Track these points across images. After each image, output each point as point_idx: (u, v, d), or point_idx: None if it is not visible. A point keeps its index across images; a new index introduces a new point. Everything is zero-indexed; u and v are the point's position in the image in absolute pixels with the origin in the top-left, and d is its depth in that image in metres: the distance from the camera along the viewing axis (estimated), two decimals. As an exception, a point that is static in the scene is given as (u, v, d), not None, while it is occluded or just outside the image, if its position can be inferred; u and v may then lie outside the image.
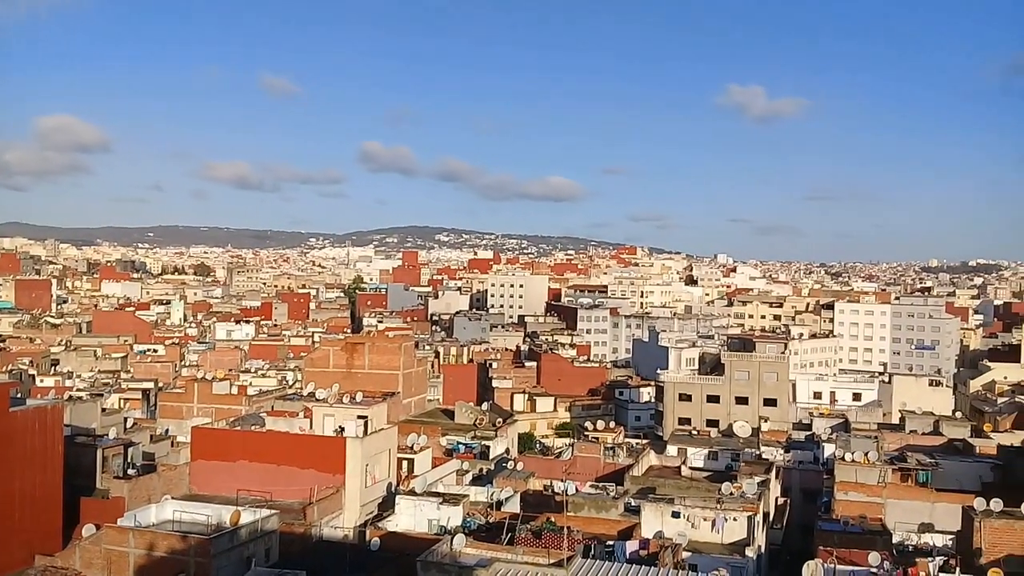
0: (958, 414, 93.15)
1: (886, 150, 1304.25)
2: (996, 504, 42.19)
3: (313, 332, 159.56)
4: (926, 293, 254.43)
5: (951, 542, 45.56)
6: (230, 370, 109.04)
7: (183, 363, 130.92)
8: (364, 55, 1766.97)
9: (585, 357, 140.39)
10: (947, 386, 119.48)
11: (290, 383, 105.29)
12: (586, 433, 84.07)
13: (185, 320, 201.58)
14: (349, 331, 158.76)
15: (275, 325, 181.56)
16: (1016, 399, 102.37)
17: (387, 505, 50.74)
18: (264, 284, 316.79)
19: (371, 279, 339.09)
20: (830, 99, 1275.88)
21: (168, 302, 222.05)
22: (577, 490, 53.62)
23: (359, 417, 56.18)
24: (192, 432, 57.27)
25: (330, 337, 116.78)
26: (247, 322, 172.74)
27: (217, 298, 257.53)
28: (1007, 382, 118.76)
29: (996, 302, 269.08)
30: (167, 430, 75.34)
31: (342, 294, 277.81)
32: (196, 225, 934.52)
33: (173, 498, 46.86)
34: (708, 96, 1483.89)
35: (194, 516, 42.40)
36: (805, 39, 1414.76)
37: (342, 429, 54.78)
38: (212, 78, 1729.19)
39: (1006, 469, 62.69)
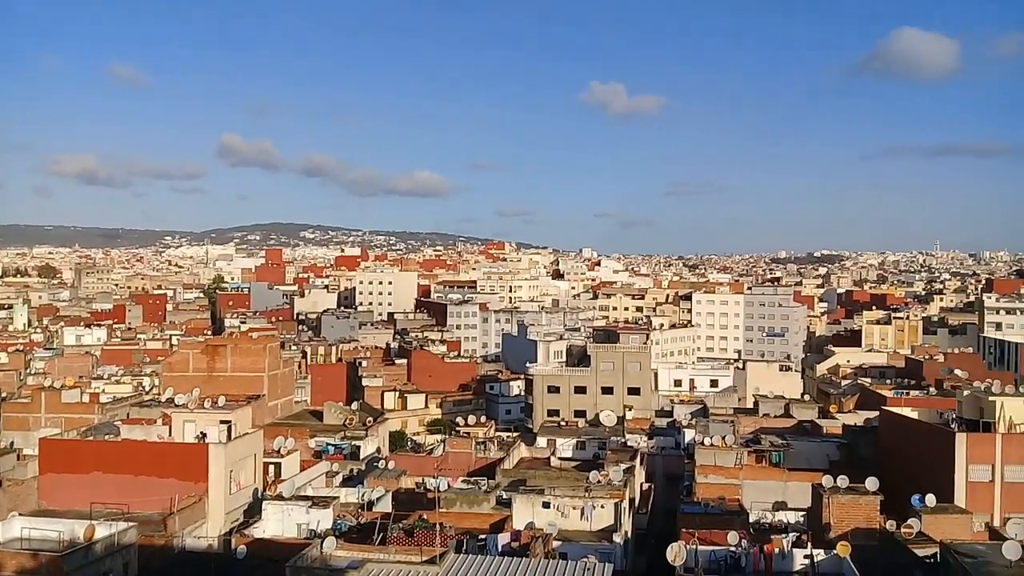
0: (806, 397, 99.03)
1: (739, 146, 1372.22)
2: (842, 481, 45.17)
3: (171, 335, 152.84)
4: (776, 283, 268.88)
5: (803, 518, 48.35)
6: (80, 377, 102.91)
7: (28, 371, 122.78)
8: (221, 44, 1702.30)
9: (456, 353, 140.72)
10: (796, 371, 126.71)
11: (147, 389, 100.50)
12: (458, 429, 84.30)
13: (30, 325, 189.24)
14: (210, 333, 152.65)
15: (129, 328, 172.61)
16: (858, 381, 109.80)
17: (254, 511, 49.36)
18: (116, 286, 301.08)
19: (233, 278, 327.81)
20: (687, 96, 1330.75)
21: (10, 306, 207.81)
22: (449, 486, 53.73)
23: (222, 422, 54.30)
24: (40, 444, 54.02)
25: (189, 340, 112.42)
26: (98, 326, 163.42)
27: (65, 301, 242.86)
28: (850, 365, 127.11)
29: (839, 290, 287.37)
30: (12, 443, 70.48)
31: (201, 295, 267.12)
32: (40, 224, 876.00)
33: (21, 515, 43.92)
34: (572, 93, 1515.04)
35: (44, 533, 40.02)
36: (662, 38, 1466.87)
37: (204, 435, 52.85)
38: (52, 66, 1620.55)
39: (851, 447, 67.20)
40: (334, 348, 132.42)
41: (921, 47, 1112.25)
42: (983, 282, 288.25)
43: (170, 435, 54.59)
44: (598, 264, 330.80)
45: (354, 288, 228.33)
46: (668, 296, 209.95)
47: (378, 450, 72.91)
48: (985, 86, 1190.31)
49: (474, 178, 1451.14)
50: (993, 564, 33.52)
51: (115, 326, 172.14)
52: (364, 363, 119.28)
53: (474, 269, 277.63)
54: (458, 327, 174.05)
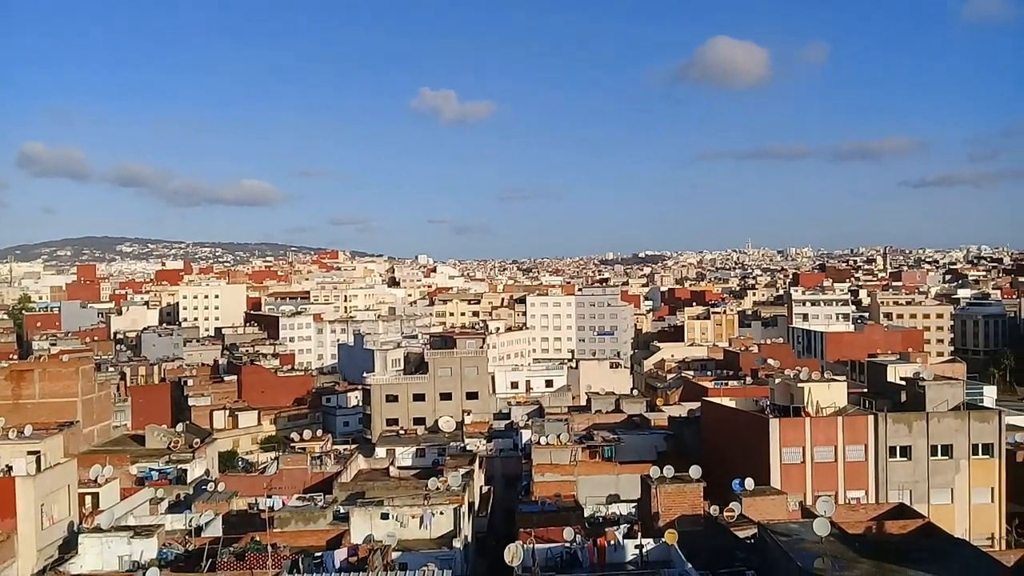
0: (635, 392, 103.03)
1: (568, 151, 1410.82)
2: (668, 471, 47.15)
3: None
4: (604, 284, 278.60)
5: (634, 509, 50.25)
6: None
7: None
8: (20, 47, 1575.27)
9: (289, 366, 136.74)
10: (625, 367, 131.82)
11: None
12: (293, 444, 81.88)
13: None
14: (16, 357, 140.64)
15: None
16: (682, 374, 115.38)
17: (70, 546, 45.85)
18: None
19: (41, 297, 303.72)
20: (517, 102, 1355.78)
21: None
22: (284, 504, 52.07)
23: (30, 453, 50.25)
24: None
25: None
26: None
27: None
28: (674, 360, 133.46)
29: (662, 289, 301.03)
30: None
31: (5, 316, 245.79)
32: None
33: None
34: (403, 99, 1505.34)
35: None
36: (492, 43, 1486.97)
37: (9, 468, 48.65)
38: None
39: (676, 438, 70.49)
40: (156, 368, 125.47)
41: (734, 55, 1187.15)
42: (790, 277, 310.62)
43: (-31, 471, 49.82)
44: (434, 270, 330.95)
45: (177, 303, 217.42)
46: (503, 300, 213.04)
47: (207, 472, 69.58)
48: (792, 92, 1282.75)
49: (305, 186, 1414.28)
50: (806, 540, 36.02)
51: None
52: (190, 382, 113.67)
53: (307, 279, 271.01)
54: (291, 340, 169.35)
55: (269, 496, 53.05)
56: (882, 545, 36.48)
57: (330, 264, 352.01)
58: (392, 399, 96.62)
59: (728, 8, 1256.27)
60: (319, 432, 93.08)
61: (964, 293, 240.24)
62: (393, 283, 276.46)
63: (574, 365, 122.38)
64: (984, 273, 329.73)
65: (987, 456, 56.64)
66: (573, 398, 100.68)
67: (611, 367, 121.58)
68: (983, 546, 46.51)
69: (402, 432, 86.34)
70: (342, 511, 49.50)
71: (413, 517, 46.06)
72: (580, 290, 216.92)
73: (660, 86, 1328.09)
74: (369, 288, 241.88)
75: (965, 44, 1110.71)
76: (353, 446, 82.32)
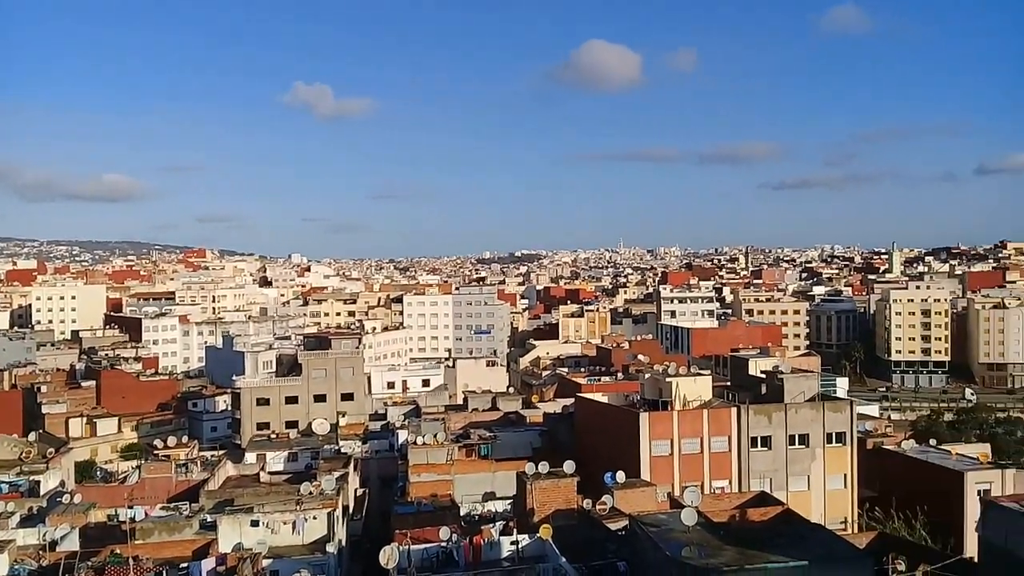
0: (511, 389, 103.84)
1: (446, 149, 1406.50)
2: (543, 467, 47.77)
3: None
4: (481, 283, 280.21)
5: (509, 506, 50.63)
6: None
7: None
8: None
9: (153, 370, 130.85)
10: (502, 365, 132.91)
11: None
12: (156, 452, 78.33)
13: None
14: None
15: None
16: (556, 371, 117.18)
17: (-96, 570, 42.36)
18: None
19: None
20: (394, 99, 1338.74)
21: None
22: (147, 515, 49.81)
23: None
24: None
25: None
26: None
27: None
28: (549, 357, 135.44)
29: (538, 287, 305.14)
30: None
31: None
32: None
33: None
34: (275, 94, 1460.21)
35: None
36: (369, 38, 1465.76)
37: None
38: None
39: (551, 434, 71.53)
40: (7, 374, 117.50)
41: (607, 59, 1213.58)
42: (659, 275, 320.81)
43: None
44: (308, 270, 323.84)
45: (30, 305, 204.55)
46: (380, 299, 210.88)
47: (62, 484, 65.74)
48: (663, 97, 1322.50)
49: (171, 182, 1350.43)
50: (674, 530, 37.15)
51: None
52: (44, 388, 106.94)
53: (172, 279, 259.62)
54: (155, 342, 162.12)
55: (130, 506, 50.61)
56: (745, 532, 38.03)
57: (197, 263, 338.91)
58: (263, 402, 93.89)
59: (602, 12, 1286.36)
60: (184, 439, 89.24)
61: (819, 290, 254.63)
62: (265, 283, 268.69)
63: (451, 364, 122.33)
64: (837, 271, 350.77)
65: (840, 444, 60.01)
66: (450, 397, 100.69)
67: (488, 365, 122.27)
68: (838, 529, 49.33)
69: (274, 436, 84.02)
70: (209, 520, 47.73)
71: (285, 523, 44.94)
72: (457, 289, 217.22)
73: (536, 87, 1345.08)
74: (239, 288, 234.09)
75: (822, 54, 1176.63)
76: (221, 452, 79.47)
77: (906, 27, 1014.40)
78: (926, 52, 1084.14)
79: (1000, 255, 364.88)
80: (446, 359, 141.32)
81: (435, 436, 64.27)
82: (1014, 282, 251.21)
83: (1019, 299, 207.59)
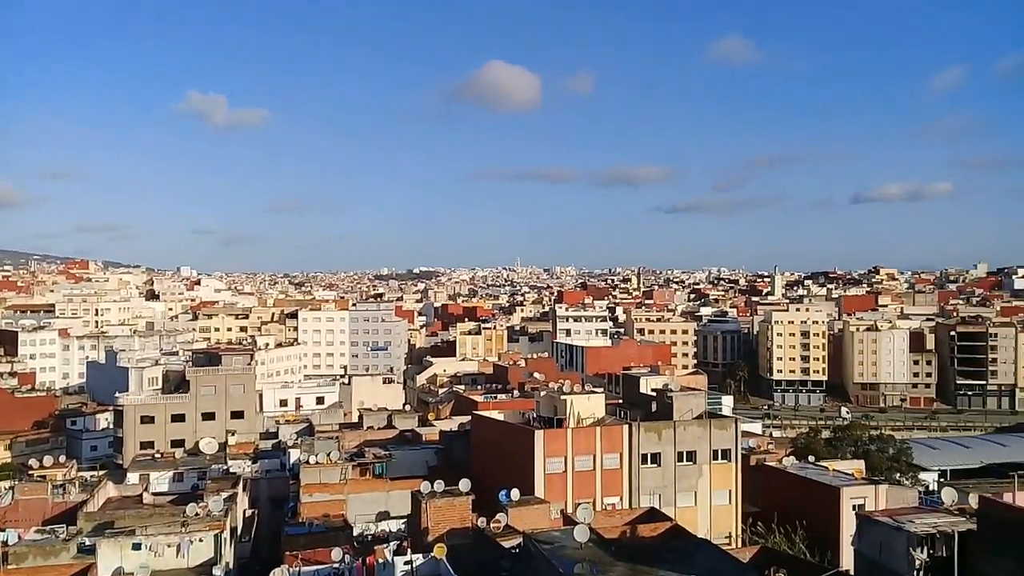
0: (408, 407, 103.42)
1: (344, 164, 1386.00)
2: (439, 485, 47.76)
3: None
4: (379, 299, 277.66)
5: (404, 525, 50.37)
6: None
7: None
8: None
9: (29, 386, 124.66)
10: (398, 382, 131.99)
11: None
12: (31, 472, 74.40)
13: None
14: None
15: None
16: (453, 389, 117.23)
17: None
18: None
19: None
20: (291, 112, 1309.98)
21: None
22: (20, 538, 47.34)
23: None
24: None
25: None
26: None
27: None
28: (446, 374, 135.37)
29: (436, 304, 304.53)
30: None
31: None
32: None
33: None
34: (168, 102, 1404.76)
35: None
36: (266, 51, 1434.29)
37: None
38: None
39: (447, 452, 71.49)
40: None
41: (508, 79, 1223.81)
42: (555, 294, 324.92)
43: None
44: (198, 283, 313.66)
45: None
46: (274, 315, 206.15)
47: (-76, 508, 61.65)
48: (561, 118, 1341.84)
49: (53, 190, 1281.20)
50: (567, 547, 37.78)
51: None
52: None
53: (52, 291, 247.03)
54: (32, 357, 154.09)
55: (2, 529, 48.09)
56: (635, 548, 39.02)
57: (79, 275, 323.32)
58: (148, 420, 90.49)
59: (503, 34, 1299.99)
60: (62, 458, 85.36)
61: (706, 311, 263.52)
62: (152, 296, 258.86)
63: (346, 381, 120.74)
64: (723, 293, 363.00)
65: (725, 461, 62.16)
66: (345, 415, 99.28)
67: (384, 383, 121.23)
68: (723, 544, 51.03)
69: (158, 455, 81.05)
70: (88, 543, 45.68)
71: (169, 546, 43.46)
72: (354, 305, 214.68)
73: (437, 104, 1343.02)
74: (124, 301, 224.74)
75: (712, 83, 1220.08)
76: (101, 472, 76.14)
77: (790, 60, 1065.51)
78: (808, 84, 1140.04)
79: (873, 280, 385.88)
80: (341, 376, 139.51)
81: (328, 455, 63.35)
82: (886, 306, 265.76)
83: (890, 322, 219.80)
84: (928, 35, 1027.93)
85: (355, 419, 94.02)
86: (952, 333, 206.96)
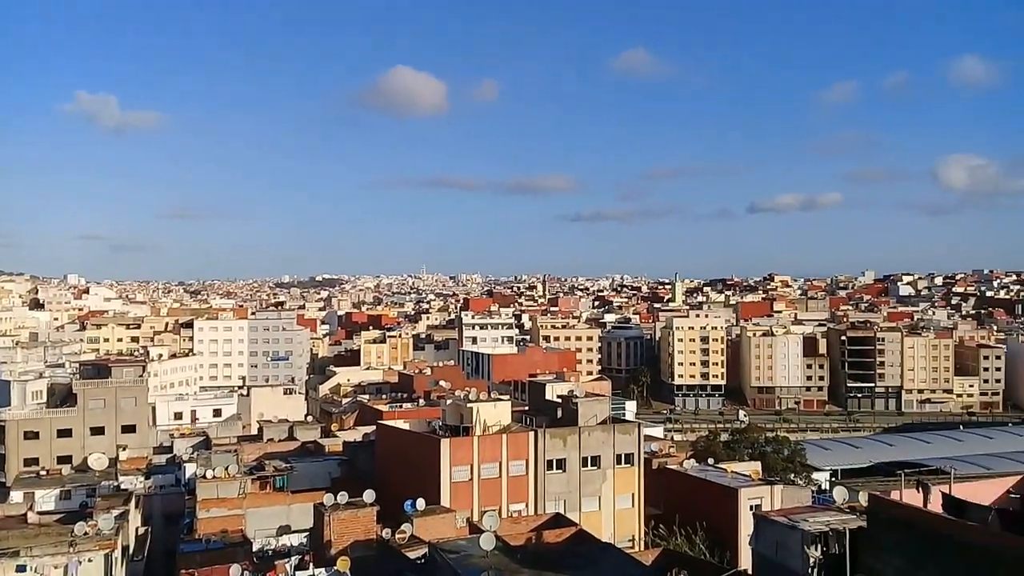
0: (310, 418, 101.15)
1: (243, 169, 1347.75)
2: (342, 497, 46.83)
3: None
4: (280, 307, 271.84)
5: (306, 539, 49.19)
6: None
7: None
8: None
9: None
10: (300, 393, 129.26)
11: None
12: (-101, 495, 69.62)
13: None
14: None
15: None
16: (357, 399, 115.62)
17: None
18: None
19: None
20: (188, 113, 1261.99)
21: None
22: None
23: None
24: None
25: None
26: None
27: None
28: (350, 384, 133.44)
29: (339, 313, 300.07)
30: None
31: None
32: None
33: None
34: (54, 102, 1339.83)
35: None
36: (161, 50, 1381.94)
37: None
38: None
39: (351, 463, 70.30)
40: None
41: (414, 85, 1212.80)
42: (461, 302, 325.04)
43: None
44: (86, 292, 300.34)
45: None
46: (168, 324, 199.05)
47: None
48: (467, 126, 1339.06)
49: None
50: (473, 556, 37.58)
51: None
52: None
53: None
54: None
55: None
56: (541, 554, 39.14)
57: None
58: (32, 436, 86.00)
59: (409, 39, 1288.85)
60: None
61: (610, 318, 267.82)
62: (36, 305, 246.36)
63: (245, 392, 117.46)
64: (626, 300, 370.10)
65: (629, 465, 63.12)
66: (244, 427, 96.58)
67: (285, 393, 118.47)
68: (626, 547, 51.72)
69: (44, 472, 77.10)
70: (-35, 568, 43.01)
71: (56, 567, 41.39)
72: (254, 314, 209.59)
73: (342, 109, 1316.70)
74: (6, 311, 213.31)
75: (616, 94, 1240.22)
76: (-19, 492, 71.84)
77: (690, 74, 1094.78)
78: (708, 98, 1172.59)
79: (768, 287, 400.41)
80: (240, 387, 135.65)
81: (226, 469, 61.40)
82: (780, 312, 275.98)
83: (785, 327, 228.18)
84: (819, 52, 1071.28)
85: (255, 431, 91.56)
86: (843, 338, 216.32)
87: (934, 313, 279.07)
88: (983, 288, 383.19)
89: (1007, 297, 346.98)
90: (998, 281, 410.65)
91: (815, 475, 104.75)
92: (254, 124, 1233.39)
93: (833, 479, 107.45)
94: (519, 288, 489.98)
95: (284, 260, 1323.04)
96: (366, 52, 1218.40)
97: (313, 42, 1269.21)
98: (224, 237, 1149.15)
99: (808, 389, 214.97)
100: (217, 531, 52.02)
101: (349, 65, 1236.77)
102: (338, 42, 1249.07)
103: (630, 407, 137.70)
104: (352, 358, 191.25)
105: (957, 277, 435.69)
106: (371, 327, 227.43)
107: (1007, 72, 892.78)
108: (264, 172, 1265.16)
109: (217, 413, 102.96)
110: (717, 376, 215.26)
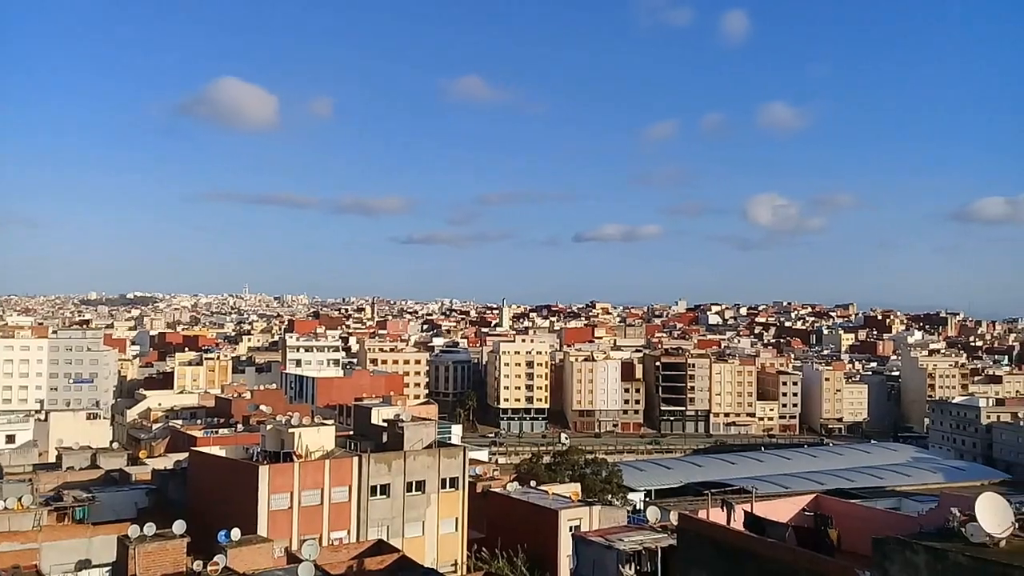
0: (116, 445, 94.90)
1: (47, 178, 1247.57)
2: (149, 528, 44.20)
3: None
4: (85, 326, 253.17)
5: (108, 574, 46.02)
6: None
7: None
8: None
9: None
10: (105, 418, 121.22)
11: None
12: None
13: None
14: None
15: None
16: (169, 424, 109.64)
17: None
18: None
19: None
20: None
21: None
22: None
23: None
24: None
25: None
26: None
27: None
28: (162, 408, 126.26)
29: (152, 333, 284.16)
30: None
31: None
32: None
33: None
34: None
35: None
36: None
37: None
38: None
39: (160, 492, 66.43)
40: None
41: (243, 98, 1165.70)
42: (286, 323, 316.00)
43: None
44: None
45: None
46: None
47: None
48: (299, 142, 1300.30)
49: None
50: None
51: None
52: None
53: None
54: None
55: None
56: (362, 581, 38.57)
57: None
58: None
59: (239, 50, 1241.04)
60: None
61: (438, 341, 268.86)
62: None
63: (43, 417, 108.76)
64: (455, 324, 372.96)
65: (453, 489, 63.29)
66: (40, 455, 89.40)
67: (88, 418, 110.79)
68: (449, 572, 51.93)
69: None
70: None
71: None
72: (55, 332, 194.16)
73: (164, 118, 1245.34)
74: None
75: (449, 118, 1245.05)
76: None
77: (523, 103, 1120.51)
78: (540, 128, 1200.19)
79: (590, 313, 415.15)
80: (37, 411, 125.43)
81: (19, 499, 56.47)
82: (601, 338, 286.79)
83: (605, 353, 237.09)
84: (644, 90, 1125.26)
85: (53, 459, 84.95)
86: (657, 363, 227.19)
87: (739, 341, 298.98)
88: (782, 319, 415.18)
89: (803, 328, 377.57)
90: (795, 313, 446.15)
91: (630, 495, 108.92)
92: (62, 129, 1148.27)
93: (647, 499, 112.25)
94: (347, 310, 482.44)
95: (92, 275, 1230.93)
96: (190, 61, 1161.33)
97: (134, 47, 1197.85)
98: (23, 249, 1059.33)
99: (625, 412, 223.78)
100: (8, 567, 47.65)
101: (174, 73, 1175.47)
102: (162, 48, 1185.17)
103: (456, 431, 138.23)
104: (165, 381, 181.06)
105: (760, 308, 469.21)
106: (187, 348, 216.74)
107: (809, 118, 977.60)
108: (71, 179, 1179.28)
109: (10, 439, 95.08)
110: (541, 400, 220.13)
